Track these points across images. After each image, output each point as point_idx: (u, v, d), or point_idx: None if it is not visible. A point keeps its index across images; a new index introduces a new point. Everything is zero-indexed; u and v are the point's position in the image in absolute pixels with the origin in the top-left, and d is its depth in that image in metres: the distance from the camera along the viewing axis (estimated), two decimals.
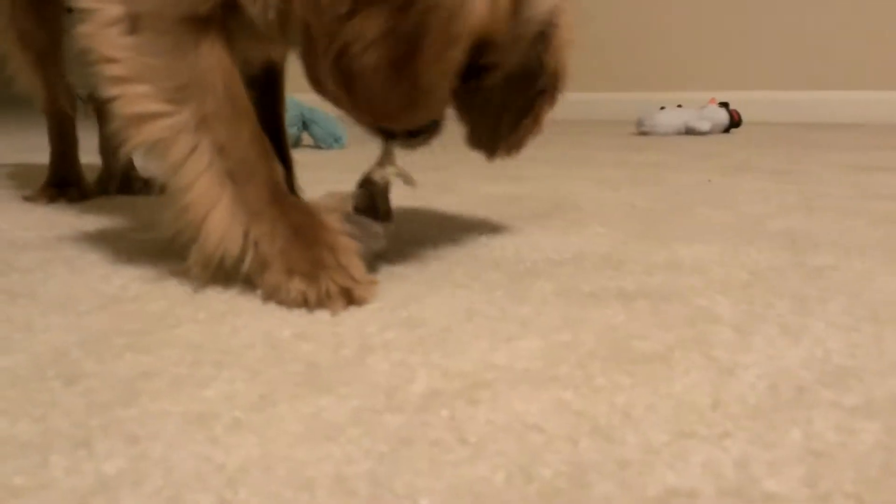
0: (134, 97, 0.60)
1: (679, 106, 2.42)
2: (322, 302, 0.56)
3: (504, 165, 1.45)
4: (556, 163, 1.58)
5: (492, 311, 0.57)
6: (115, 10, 0.62)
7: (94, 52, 0.62)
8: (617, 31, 3.05)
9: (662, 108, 2.40)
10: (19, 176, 1.41)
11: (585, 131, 2.46)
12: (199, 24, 0.60)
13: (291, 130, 1.88)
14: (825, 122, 2.69)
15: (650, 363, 0.47)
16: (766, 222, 0.92)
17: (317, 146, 1.91)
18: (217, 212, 0.60)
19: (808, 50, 2.74)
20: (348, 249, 0.60)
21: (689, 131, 2.32)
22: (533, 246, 0.79)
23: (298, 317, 0.56)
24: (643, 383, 0.44)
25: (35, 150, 1.20)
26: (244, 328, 0.53)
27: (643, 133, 2.36)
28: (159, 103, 0.60)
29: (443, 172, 1.35)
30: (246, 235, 0.60)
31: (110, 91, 0.62)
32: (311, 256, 0.59)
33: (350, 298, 0.57)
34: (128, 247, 0.78)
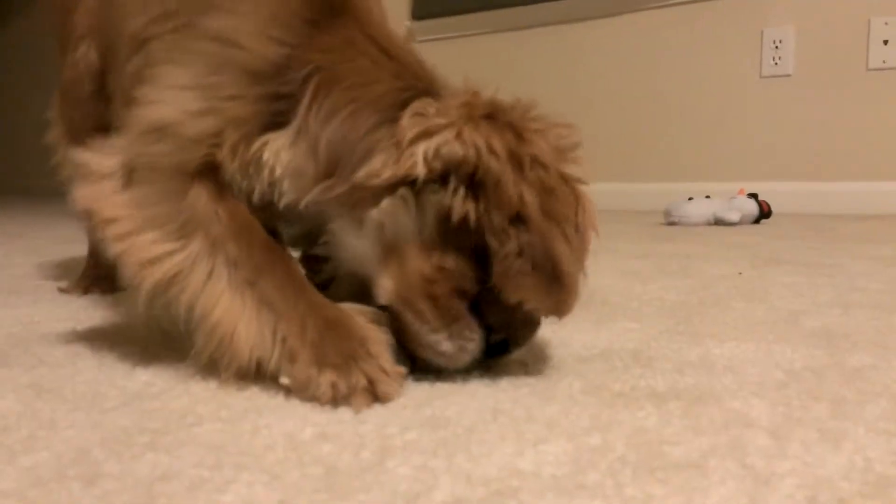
0: (141, 246, 0.62)
1: (707, 196, 2.43)
2: (352, 393, 0.56)
3: None
4: None
5: (517, 410, 0.56)
6: (108, 163, 0.64)
7: (94, 215, 0.64)
8: (644, 122, 3.10)
9: (690, 198, 2.40)
10: (58, 267, 1.45)
11: (612, 221, 2.46)
12: (193, 174, 0.63)
13: None
14: (857, 213, 2.66)
15: (683, 471, 0.45)
16: (801, 318, 0.90)
17: None
18: (243, 323, 0.60)
19: (838, 141, 2.75)
20: (379, 341, 0.60)
21: (719, 222, 2.32)
22: (560, 341, 0.78)
23: (320, 414, 0.55)
24: (676, 493, 0.42)
25: (75, 240, 1.23)
26: (265, 427, 0.52)
27: (671, 223, 2.36)
28: (167, 243, 0.62)
29: None
30: (274, 334, 0.60)
31: (114, 249, 0.63)
32: (344, 349, 0.58)
33: (375, 395, 0.57)
34: (156, 341, 0.78)
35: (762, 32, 2.85)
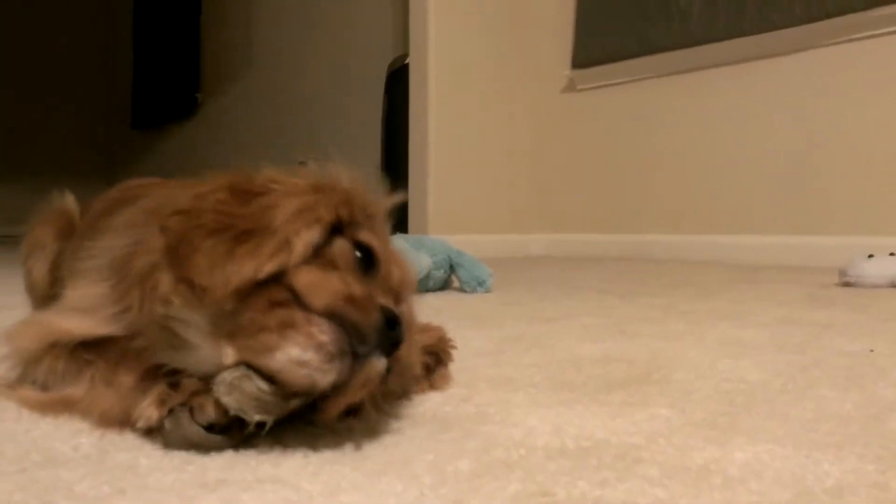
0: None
1: (892, 254, 2.09)
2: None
3: (636, 318, 1.32)
4: (701, 317, 1.40)
5: None
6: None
7: None
8: (821, 167, 2.77)
9: (871, 255, 2.08)
10: None
11: (777, 280, 2.19)
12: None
13: (439, 273, 1.88)
14: None
15: None
16: None
17: (461, 289, 1.89)
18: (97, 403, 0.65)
19: None
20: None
21: None
22: (553, 428, 0.67)
23: None
24: None
25: None
26: None
27: (847, 284, 2.05)
28: None
29: (549, 325, 1.24)
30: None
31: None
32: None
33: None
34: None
35: None
